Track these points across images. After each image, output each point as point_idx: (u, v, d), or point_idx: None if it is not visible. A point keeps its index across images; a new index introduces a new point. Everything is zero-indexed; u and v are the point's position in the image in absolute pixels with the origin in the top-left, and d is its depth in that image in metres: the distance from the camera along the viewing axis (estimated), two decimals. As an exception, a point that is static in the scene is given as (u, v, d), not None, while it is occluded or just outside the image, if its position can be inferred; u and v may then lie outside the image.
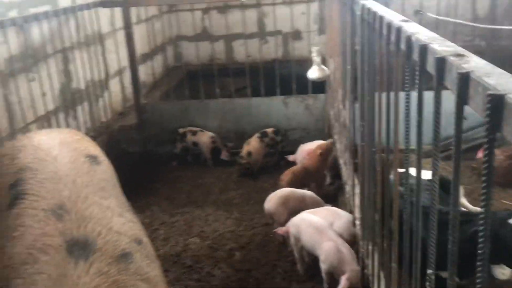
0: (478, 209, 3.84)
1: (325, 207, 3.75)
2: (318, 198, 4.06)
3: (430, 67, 1.32)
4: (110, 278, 1.47)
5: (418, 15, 4.39)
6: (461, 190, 3.81)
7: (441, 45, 1.34)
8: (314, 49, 4.63)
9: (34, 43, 4.17)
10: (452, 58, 1.19)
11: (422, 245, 1.59)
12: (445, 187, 3.29)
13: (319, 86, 5.47)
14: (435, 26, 5.13)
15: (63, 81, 4.69)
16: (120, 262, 1.56)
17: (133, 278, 1.55)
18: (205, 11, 7.98)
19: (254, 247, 3.91)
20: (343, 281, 3.02)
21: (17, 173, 1.84)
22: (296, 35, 7.74)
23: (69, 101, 4.75)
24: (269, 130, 5.48)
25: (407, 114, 1.67)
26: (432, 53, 1.30)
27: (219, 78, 5.88)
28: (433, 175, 1.40)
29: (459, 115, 1.11)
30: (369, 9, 2.29)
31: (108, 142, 5.37)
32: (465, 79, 1.06)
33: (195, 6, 7.70)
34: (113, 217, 1.73)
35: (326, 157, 4.48)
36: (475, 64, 1.12)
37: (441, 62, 1.21)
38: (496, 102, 0.90)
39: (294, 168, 4.53)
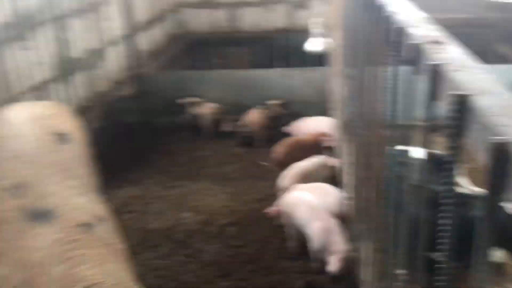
0: (477, 189, 3.74)
1: (313, 184, 3.67)
2: (330, 162, 4.00)
3: (405, 52, 1.21)
4: (72, 236, 1.51)
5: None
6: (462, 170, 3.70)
7: (420, 29, 1.23)
8: (314, 21, 4.47)
9: (29, 11, 4.05)
10: (426, 46, 1.08)
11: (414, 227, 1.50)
12: (440, 165, 3.19)
13: (322, 58, 5.32)
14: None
15: (59, 50, 4.59)
16: (81, 229, 1.60)
17: (96, 241, 1.57)
18: (209, -23, 7.76)
19: (247, 223, 3.86)
20: (333, 261, 2.97)
21: None
22: (302, 4, 7.51)
23: (65, 70, 4.66)
24: (273, 102, 5.35)
25: (388, 91, 1.58)
26: (408, 38, 1.19)
27: (222, 48, 5.74)
28: (405, 152, 1.32)
29: (429, 111, 1.01)
30: (360, -17, 2.15)
31: (104, 112, 5.31)
32: (434, 73, 0.95)
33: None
34: (73, 195, 1.72)
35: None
36: (450, 54, 1.01)
37: (415, 49, 1.11)
38: (459, 104, 0.80)
39: (288, 141, 4.44)
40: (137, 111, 5.67)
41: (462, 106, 0.80)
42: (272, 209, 3.65)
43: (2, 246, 1.44)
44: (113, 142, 5.19)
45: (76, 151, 2.00)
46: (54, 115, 2.13)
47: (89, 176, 2.02)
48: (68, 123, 2.15)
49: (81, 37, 4.92)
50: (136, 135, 5.45)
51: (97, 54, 5.24)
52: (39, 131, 1.91)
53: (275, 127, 5.32)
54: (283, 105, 5.33)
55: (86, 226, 1.61)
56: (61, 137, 1.96)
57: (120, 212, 3.99)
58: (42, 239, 1.42)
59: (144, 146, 5.26)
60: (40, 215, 1.55)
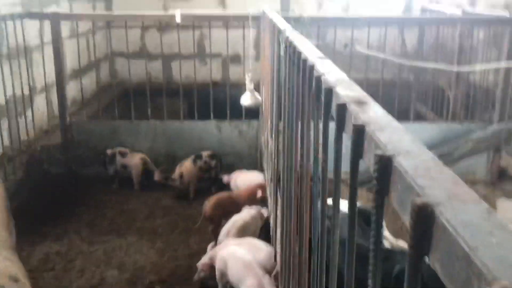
0: (401, 242, 3.85)
1: (245, 239, 3.63)
2: (257, 211, 3.97)
3: (333, 112, 1.24)
4: None
5: (348, 48, 4.42)
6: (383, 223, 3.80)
7: (346, 89, 1.27)
8: (248, 76, 4.56)
9: None
10: (352, 106, 1.11)
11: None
12: (366, 219, 3.25)
13: (254, 112, 5.42)
14: (366, 58, 5.23)
15: (-21, 96, 4.38)
16: None
17: None
18: (144, 28, 7.80)
19: (176, 281, 3.71)
20: None
21: None
22: (235, 59, 7.69)
23: (-16, 117, 4.43)
24: (205, 153, 5.32)
25: (317, 146, 1.60)
26: (336, 98, 1.23)
27: (156, 99, 5.71)
28: (334, 208, 1.34)
29: (354, 169, 1.03)
30: (291, 42, 2.23)
31: (28, 162, 5.05)
32: (359, 132, 0.98)
33: (134, 23, 7.50)
34: None
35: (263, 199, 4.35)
36: (373, 114, 1.04)
37: (341, 109, 1.14)
38: (383, 165, 0.81)
39: (220, 195, 4.37)
40: (64, 161, 5.45)
41: (385, 166, 0.81)
42: (203, 264, 3.54)
43: None
44: (37, 193, 4.92)
45: None
46: None
47: (4, 232, 1.87)
48: None
49: (8, 83, 4.72)
50: (62, 186, 5.20)
51: (24, 101, 5.04)
52: None
53: (208, 179, 5.27)
54: (215, 156, 5.31)
55: None
56: None
57: (40, 270, 3.74)
58: None
59: (70, 198, 5.01)
60: None
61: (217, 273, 3.39)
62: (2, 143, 4.68)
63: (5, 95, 4.71)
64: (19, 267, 1.75)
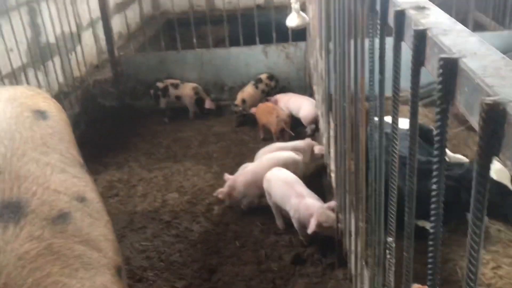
0: (459, 156, 3.81)
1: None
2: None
3: (391, 20, 1.21)
4: (42, 243, 1.38)
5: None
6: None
7: (404, -4, 1.22)
8: (293, -5, 4.41)
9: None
10: (411, 12, 1.07)
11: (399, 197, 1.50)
12: (425, 135, 3.21)
13: (300, 34, 5.29)
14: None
15: (30, 36, 4.48)
16: (56, 224, 1.47)
17: (70, 241, 1.47)
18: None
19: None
20: (312, 221, 2.98)
21: None
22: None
23: (38, 56, 4.56)
24: (263, 76, 5.36)
25: (371, 64, 1.57)
26: (393, 5, 1.19)
27: (199, 27, 5.66)
28: (393, 122, 1.33)
29: (416, 78, 1.01)
30: (339, -47, 2.13)
31: (83, 97, 5.23)
32: (421, 37, 0.95)
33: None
34: (52, 174, 1.63)
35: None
36: (435, 19, 1.01)
37: (400, 15, 1.10)
38: (449, 68, 0.79)
39: (277, 107, 4.66)
40: (117, 94, 5.60)
41: (451, 69, 0.80)
42: (222, 192, 3.67)
43: None
44: (94, 126, 5.14)
45: (55, 126, 1.94)
46: (33, 95, 2.08)
47: (72, 151, 1.95)
48: (47, 102, 2.10)
49: (56, 22, 4.80)
50: (117, 118, 5.39)
51: (73, 38, 5.13)
52: (18, 109, 1.85)
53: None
54: (273, 77, 5.37)
55: (62, 217, 1.49)
56: (39, 114, 1.91)
57: (105, 196, 3.97)
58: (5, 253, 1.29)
59: (125, 129, 5.20)
60: (13, 209, 1.40)
61: (266, 194, 3.50)
62: (58, 80, 4.84)
63: (55, 33, 4.80)
64: (86, 183, 1.82)
